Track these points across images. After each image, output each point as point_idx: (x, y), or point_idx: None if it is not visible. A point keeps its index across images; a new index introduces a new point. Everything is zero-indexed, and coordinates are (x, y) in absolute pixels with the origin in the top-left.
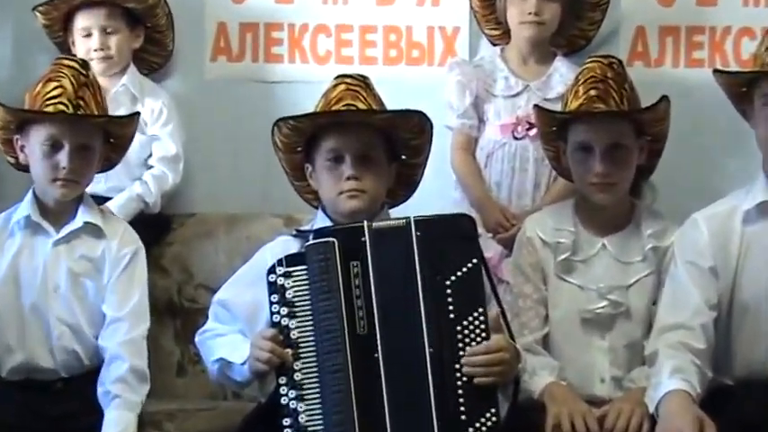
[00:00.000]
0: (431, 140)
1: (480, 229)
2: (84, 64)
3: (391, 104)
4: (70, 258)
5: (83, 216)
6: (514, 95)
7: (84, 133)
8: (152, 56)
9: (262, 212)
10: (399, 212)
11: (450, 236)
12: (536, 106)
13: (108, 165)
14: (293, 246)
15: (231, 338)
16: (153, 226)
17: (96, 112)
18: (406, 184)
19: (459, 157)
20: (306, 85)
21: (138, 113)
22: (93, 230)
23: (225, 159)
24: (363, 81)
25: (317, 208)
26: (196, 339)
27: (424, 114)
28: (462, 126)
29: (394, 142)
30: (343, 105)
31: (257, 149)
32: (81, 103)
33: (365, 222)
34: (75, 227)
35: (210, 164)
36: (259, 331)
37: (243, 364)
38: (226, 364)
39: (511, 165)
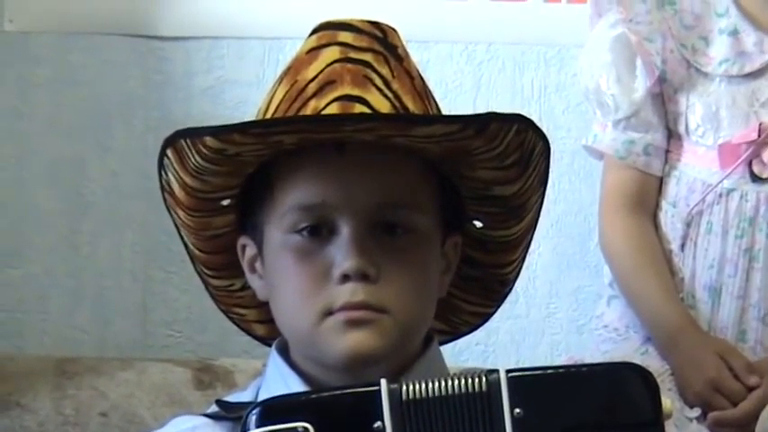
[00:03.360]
0: (545, 184)
1: (670, 400)
2: None
3: (450, 97)
4: None
5: None
6: (754, 74)
7: None
8: None
9: (140, 356)
10: (467, 356)
11: (597, 416)
12: None
13: None
14: None
15: None
16: None
17: None
18: (483, 287)
19: (618, 225)
20: (241, 45)
21: None
22: None
23: (50, 220)
24: (383, 39)
25: (266, 344)
26: None
27: (530, 122)
28: (627, 149)
29: (454, 191)
30: (335, 101)
31: (129, 201)
32: None
33: (383, 383)
34: None
35: (16, 231)
36: None
37: None
38: None
39: (745, 243)
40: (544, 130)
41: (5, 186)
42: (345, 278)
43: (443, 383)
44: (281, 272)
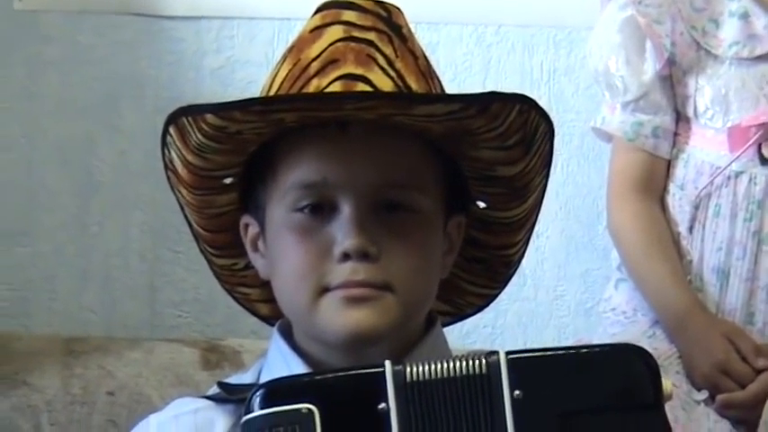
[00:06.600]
0: (549, 165)
1: (671, 382)
2: None
3: (459, 79)
4: None
5: None
6: (764, 57)
7: None
8: None
9: (147, 336)
10: (474, 338)
11: (596, 399)
12: None
13: None
14: (215, 420)
15: None
16: None
17: None
18: (488, 268)
19: (626, 208)
20: (251, 25)
21: None
22: None
23: (59, 199)
24: (387, 18)
25: (270, 324)
26: None
27: (533, 103)
28: (636, 131)
29: (457, 171)
30: (338, 79)
31: (138, 180)
32: None
33: (388, 364)
34: None
35: (25, 210)
36: None
37: None
38: None
39: (754, 226)
40: (553, 112)
41: (15, 166)
42: (346, 257)
43: (445, 365)
44: (282, 250)
